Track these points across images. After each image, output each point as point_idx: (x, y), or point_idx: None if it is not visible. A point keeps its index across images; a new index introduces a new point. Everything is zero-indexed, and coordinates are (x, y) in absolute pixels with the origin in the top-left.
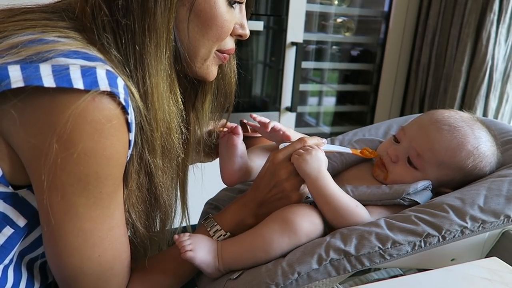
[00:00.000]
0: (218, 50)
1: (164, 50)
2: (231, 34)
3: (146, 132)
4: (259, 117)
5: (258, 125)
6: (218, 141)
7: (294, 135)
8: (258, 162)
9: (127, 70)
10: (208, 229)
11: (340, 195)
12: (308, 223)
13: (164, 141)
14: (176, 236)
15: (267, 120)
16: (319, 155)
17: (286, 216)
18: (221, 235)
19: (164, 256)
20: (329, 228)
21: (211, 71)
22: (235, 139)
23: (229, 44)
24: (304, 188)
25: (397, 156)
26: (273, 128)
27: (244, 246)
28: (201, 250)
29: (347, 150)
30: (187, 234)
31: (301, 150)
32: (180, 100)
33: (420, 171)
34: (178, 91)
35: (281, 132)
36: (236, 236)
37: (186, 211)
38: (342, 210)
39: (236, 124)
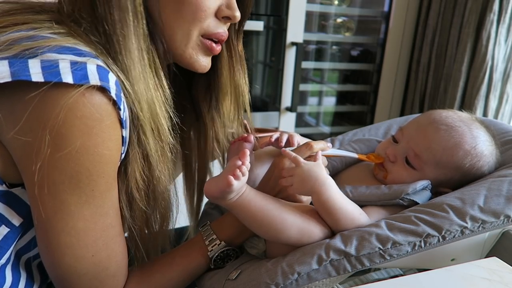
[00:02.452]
0: (203, 36)
1: (132, 26)
2: (217, 17)
3: (139, 122)
4: (275, 134)
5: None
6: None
7: (302, 141)
8: (260, 170)
9: (111, 57)
10: (204, 238)
11: (344, 205)
12: (322, 235)
13: (152, 123)
14: (246, 151)
15: (279, 134)
16: (309, 169)
17: (309, 219)
18: (216, 244)
19: (166, 259)
20: None
21: (198, 59)
22: (246, 146)
23: (215, 27)
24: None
25: (395, 156)
26: (289, 139)
27: (262, 210)
28: (239, 183)
29: (354, 155)
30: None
31: (286, 171)
32: (166, 85)
33: (418, 171)
34: (162, 75)
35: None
36: (263, 196)
37: (198, 214)
38: (346, 220)
39: (247, 134)
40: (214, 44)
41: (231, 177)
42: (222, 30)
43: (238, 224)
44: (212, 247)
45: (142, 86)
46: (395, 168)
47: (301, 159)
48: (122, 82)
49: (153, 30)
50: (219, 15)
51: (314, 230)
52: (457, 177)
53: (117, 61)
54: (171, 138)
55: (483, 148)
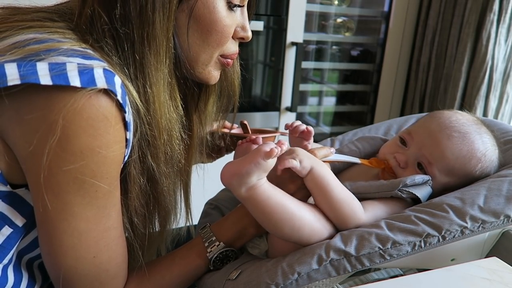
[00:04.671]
0: (221, 55)
1: (164, 59)
2: (233, 37)
3: (148, 138)
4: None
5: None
6: (219, 142)
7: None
8: None
9: (128, 76)
10: (204, 240)
11: (337, 186)
12: (328, 235)
13: (166, 148)
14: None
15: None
16: (302, 151)
17: (318, 226)
18: (215, 245)
19: (166, 261)
20: None
21: (213, 75)
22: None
23: (232, 48)
24: (310, 200)
25: (406, 163)
26: (302, 131)
27: (279, 200)
28: (271, 162)
29: (356, 160)
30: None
31: (285, 155)
32: (180, 106)
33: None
34: (178, 97)
35: (304, 143)
36: (281, 191)
37: (189, 214)
38: (339, 200)
39: (257, 135)
40: (228, 60)
41: (274, 149)
42: (235, 49)
43: (238, 227)
44: (211, 248)
45: (164, 116)
46: (405, 174)
47: (321, 156)
48: (139, 105)
49: (176, 54)
50: (235, 36)
51: (323, 230)
52: (466, 182)
53: (140, 86)
54: (181, 159)
55: (491, 153)
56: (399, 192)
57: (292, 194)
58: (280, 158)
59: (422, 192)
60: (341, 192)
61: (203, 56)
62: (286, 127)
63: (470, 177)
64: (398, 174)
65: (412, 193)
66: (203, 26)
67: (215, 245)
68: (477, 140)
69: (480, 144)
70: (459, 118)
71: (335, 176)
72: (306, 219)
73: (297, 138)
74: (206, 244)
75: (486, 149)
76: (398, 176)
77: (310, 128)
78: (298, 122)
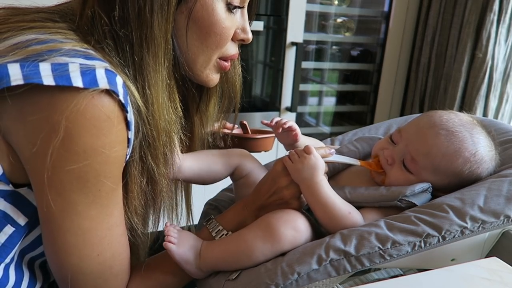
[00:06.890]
0: (220, 57)
1: (163, 61)
2: (233, 39)
3: (148, 139)
4: (277, 118)
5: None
6: (219, 142)
7: (306, 141)
8: None
9: (128, 77)
10: (210, 230)
11: (333, 201)
12: (291, 230)
13: (165, 149)
14: (167, 223)
15: (283, 120)
16: (312, 163)
17: (269, 222)
18: (223, 234)
19: (166, 256)
20: (321, 234)
21: (212, 78)
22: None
23: (232, 50)
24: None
25: (393, 159)
26: (289, 127)
27: (227, 250)
28: (183, 246)
29: (356, 162)
30: (177, 227)
31: (296, 157)
32: (179, 107)
33: (415, 176)
34: (177, 98)
35: (293, 133)
36: (220, 239)
37: (190, 214)
38: (334, 216)
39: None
40: (227, 63)
41: (168, 244)
42: (235, 51)
43: (239, 218)
44: (219, 237)
45: (163, 117)
46: (392, 171)
47: (315, 150)
48: (140, 105)
49: (175, 56)
50: (235, 38)
51: (281, 230)
52: (455, 183)
53: (139, 88)
54: (178, 159)
55: (483, 154)
56: (399, 203)
57: (284, 187)
58: (285, 157)
59: (421, 200)
60: (338, 208)
61: (202, 58)
62: (267, 125)
63: (459, 177)
64: (387, 171)
65: (411, 202)
66: (202, 28)
67: (223, 234)
68: (466, 139)
69: (470, 143)
70: (451, 117)
71: (332, 192)
72: (248, 245)
73: (283, 133)
74: (214, 234)
75: (476, 149)
76: (386, 173)
77: (291, 123)
78: (278, 118)
